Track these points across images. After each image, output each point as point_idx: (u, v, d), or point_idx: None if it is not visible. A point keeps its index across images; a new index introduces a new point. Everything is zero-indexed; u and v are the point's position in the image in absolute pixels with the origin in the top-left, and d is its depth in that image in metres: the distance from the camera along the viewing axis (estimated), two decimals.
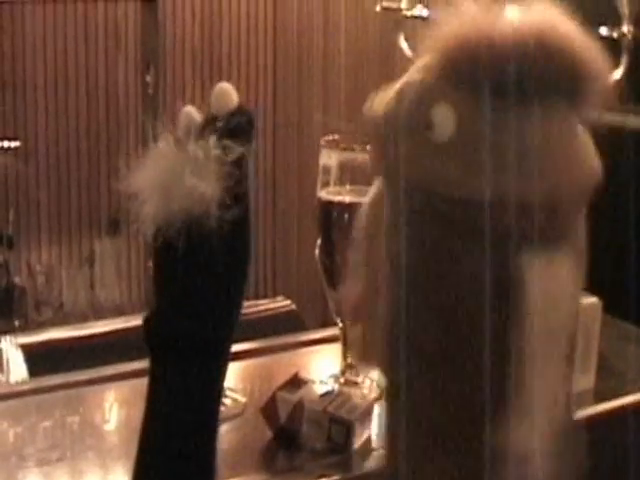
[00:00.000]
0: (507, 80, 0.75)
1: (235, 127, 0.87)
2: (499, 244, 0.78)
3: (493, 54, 0.76)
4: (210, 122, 0.88)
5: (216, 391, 0.92)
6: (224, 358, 0.92)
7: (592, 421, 1.40)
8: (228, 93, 0.89)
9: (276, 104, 3.76)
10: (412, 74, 0.84)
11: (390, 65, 3.51)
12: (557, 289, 0.81)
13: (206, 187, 0.85)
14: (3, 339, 1.89)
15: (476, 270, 0.79)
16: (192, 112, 0.89)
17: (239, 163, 0.87)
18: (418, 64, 0.83)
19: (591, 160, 0.83)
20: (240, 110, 0.89)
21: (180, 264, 0.87)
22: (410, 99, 0.81)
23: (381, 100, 0.86)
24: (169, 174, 0.86)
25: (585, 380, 1.47)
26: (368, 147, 1.18)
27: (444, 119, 0.78)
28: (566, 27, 0.78)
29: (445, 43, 0.80)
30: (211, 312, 0.89)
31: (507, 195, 0.77)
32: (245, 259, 0.91)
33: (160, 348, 0.89)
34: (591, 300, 1.48)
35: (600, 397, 1.47)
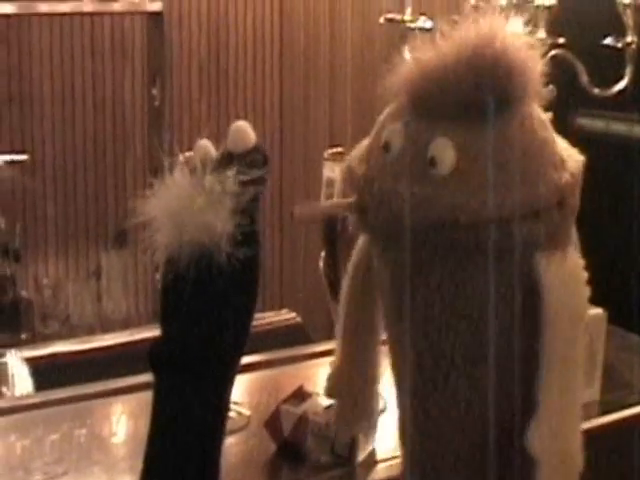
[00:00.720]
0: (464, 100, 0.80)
1: (250, 167, 0.88)
2: (513, 254, 0.80)
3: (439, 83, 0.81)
4: (226, 158, 0.88)
5: (221, 408, 0.92)
6: (230, 379, 0.92)
7: (598, 433, 1.40)
8: (245, 131, 0.90)
9: (282, 116, 3.76)
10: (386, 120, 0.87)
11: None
12: (573, 283, 0.82)
13: (218, 222, 0.85)
14: (8, 353, 1.89)
15: (498, 284, 0.81)
16: (208, 145, 0.90)
17: (252, 201, 0.87)
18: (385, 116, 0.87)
19: (562, 158, 0.84)
20: (256, 149, 0.90)
21: (188, 294, 0.88)
22: (402, 143, 0.84)
23: (355, 157, 0.89)
24: (182, 205, 0.86)
25: (590, 391, 1.46)
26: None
27: (444, 152, 0.80)
28: (502, 41, 0.82)
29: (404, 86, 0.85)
30: (218, 342, 0.89)
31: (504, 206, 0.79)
32: (253, 292, 0.91)
33: (165, 373, 0.90)
34: (596, 311, 1.47)
35: (606, 409, 1.47)
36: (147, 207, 0.88)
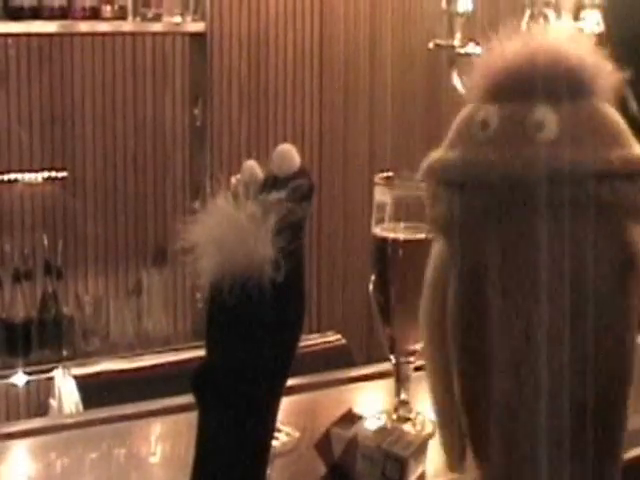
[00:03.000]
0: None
1: (295, 191, 0.87)
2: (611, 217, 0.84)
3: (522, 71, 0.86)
4: (271, 182, 0.88)
5: (266, 432, 0.92)
6: (275, 402, 0.92)
7: None
8: (290, 155, 0.89)
9: (322, 136, 3.78)
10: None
11: (436, 99, 3.52)
12: None
13: (261, 248, 0.85)
14: (56, 370, 1.90)
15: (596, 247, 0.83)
16: (254, 166, 0.90)
17: (297, 226, 0.87)
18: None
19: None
20: (301, 173, 0.89)
21: (232, 321, 0.88)
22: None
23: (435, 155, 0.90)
24: (225, 232, 0.86)
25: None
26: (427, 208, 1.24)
27: (549, 117, 0.84)
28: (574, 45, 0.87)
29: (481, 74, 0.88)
30: (262, 367, 0.89)
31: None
32: (299, 316, 0.91)
33: (209, 398, 0.90)
34: None
35: None
36: (190, 233, 0.87)
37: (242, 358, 0.89)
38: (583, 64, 0.85)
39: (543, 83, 0.84)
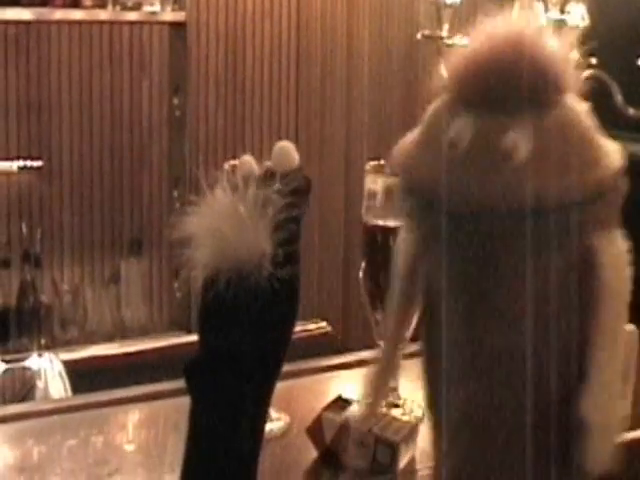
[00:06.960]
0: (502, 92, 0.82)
1: (294, 187, 0.89)
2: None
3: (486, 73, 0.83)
4: (269, 177, 0.89)
5: (259, 420, 0.93)
6: (268, 392, 0.93)
7: (629, 447, 1.41)
8: (290, 152, 0.91)
9: (298, 127, 3.79)
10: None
11: (414, 88, 3.53)
12: (622, 262, 0.85)
13: (259, 240, 0.86)
14: (34, 357, 1.90)
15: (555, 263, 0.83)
16: (251, 162, 0.91)
17: (294, 220, 0.88)
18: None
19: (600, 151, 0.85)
20: (300, 171, 0.91)
21: (228, 313, 0.89)
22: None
23: (402, 144, 0.89)
24: (224, 223, 0.87)
25: (622, 406, 1.47)
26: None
27: (520, 143, 0.81)
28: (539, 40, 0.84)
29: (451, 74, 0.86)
30: (257, 358, 0.90)
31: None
32: (293, 309, 0.92)
33: (203, 388, 0.91)
34: (629, 328, 1.49)
35: (637, 424, 1.48)
36: (187, 224, 0.88)
37: (236, 350, 0.89)
38: (550, 62, 0.83)
39: (511, 90, 0.82)
